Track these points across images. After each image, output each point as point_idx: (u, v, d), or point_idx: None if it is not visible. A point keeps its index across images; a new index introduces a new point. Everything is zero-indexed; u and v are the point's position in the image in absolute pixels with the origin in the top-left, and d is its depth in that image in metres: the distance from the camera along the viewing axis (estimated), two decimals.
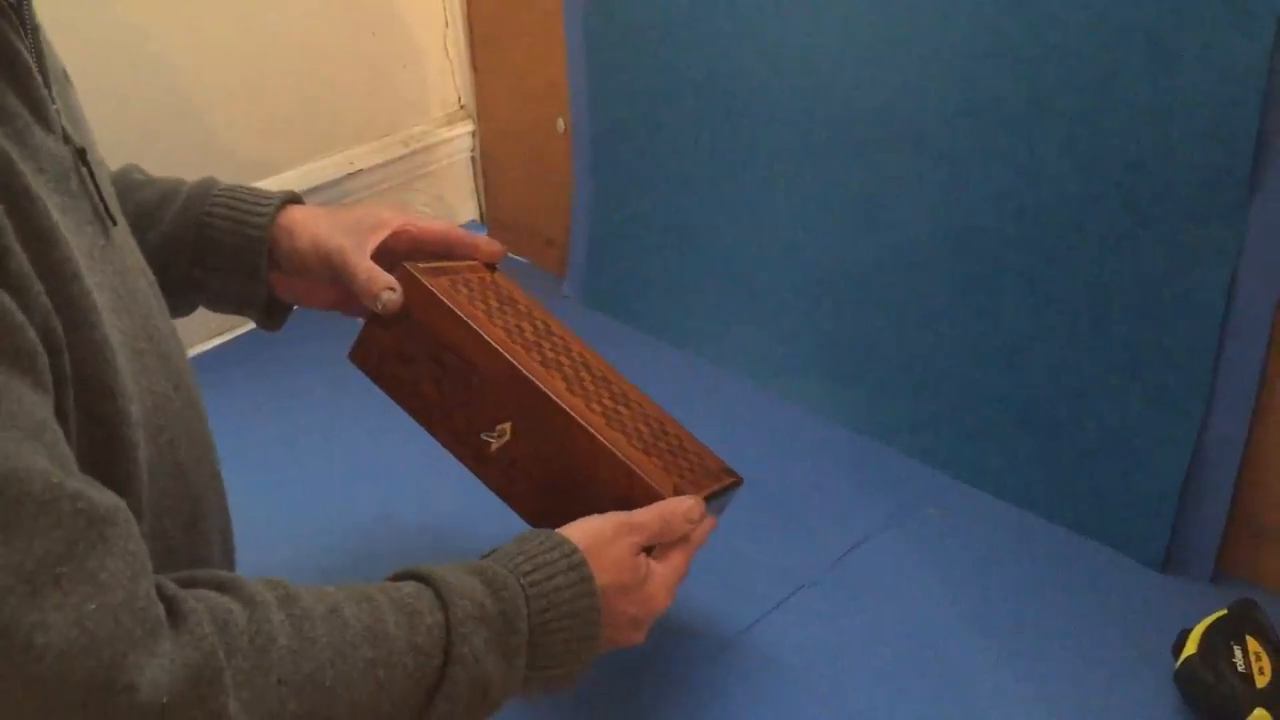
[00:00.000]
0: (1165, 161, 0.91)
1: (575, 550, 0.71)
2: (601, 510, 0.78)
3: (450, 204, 1.62)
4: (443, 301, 0.82)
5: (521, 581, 0.68)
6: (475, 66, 1.54)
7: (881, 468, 1.14)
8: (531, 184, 1.53)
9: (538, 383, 0.81)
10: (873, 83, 1.08)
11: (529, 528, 0.77)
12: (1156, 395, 0.97)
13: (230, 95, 1.35)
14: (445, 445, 0.86)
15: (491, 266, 0.93)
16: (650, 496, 0.80)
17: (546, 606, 0.68)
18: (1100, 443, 1.02)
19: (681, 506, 0.79)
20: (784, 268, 1.22)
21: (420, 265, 0.84)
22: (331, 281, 0.86)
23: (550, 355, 0.86)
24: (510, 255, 1.54)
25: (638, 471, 0.80)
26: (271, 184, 1.38)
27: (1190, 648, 0.85)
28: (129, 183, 0.85)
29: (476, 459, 0.84)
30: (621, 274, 1.40)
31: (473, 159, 1.61)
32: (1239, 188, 0.87)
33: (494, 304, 0.87)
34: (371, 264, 0.83)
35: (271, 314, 0.88)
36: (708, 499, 0.84)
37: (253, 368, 1.32)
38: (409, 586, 0.64)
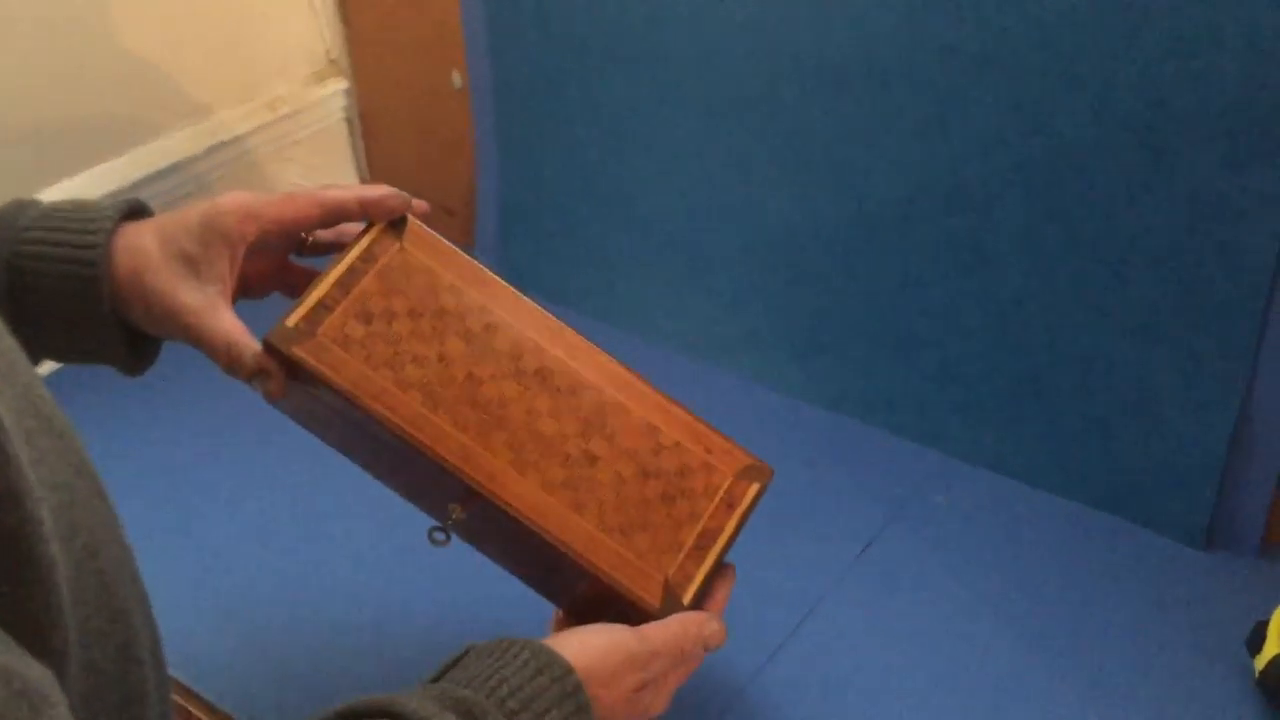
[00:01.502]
0: (1194, 96, 0.81)
1: (570, 675, 0.59)
2: (589, 596, 0.67)
3: (327, 173, 1.43)
4: (332, 384, 0.65)
5: (510, 709, 0.57)
6: (346, 15, 1.35)
7: (869, 450, 1.03)
8: (422, 146, 1.36)
9: (474, 480, 0.65)
10: (834, 11, 0.94)
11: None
12: (1188, 358, 0.87)
13: (66, 62, 1.13)
14: (408, 500, 0.72)
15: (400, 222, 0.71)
16: (633, 609, 0.67)
17: None
18: (1118, 411, 0.92)
19: (704, 631, 0.67)
20: (730, 231, 1.08)
21: (291, 317, 0.65)
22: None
23: (491, 394, 0.68)
24: None
25: (616, 585, 0.67)
26: (124, 163, 1.20)
27: (1275, 645, 0.76)
28: None
29: (439, 521, 0.70)
30: (540, 245, 1.24)
31: (348, 120, 1.42)
32: None
33: (405, 328, 0.68)
34: (230, 336, 0.65)
35: (137, 354, 0.70)
36: (725, 550, 0.70)
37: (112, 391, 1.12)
38: None
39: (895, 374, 1.02)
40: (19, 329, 0.64)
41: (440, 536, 0.69)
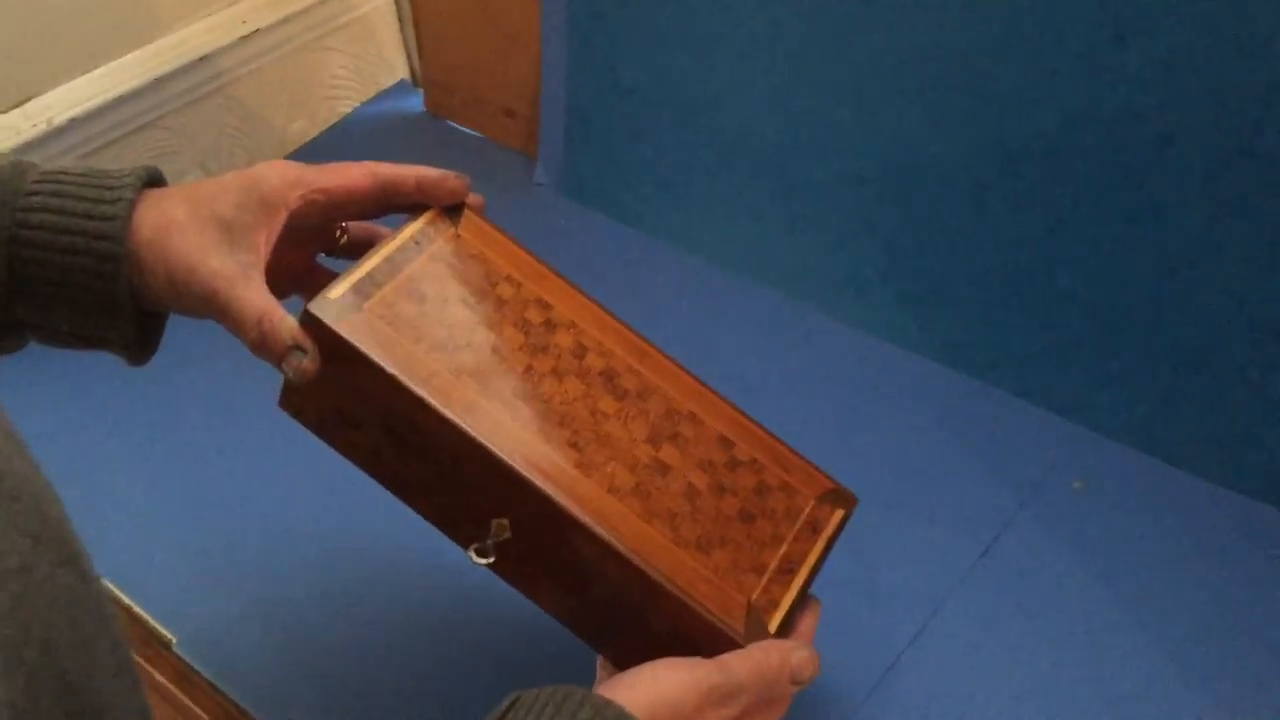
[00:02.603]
0: None
1: None
2: (653, 630, 0.57)
3: (372, 64, 1.27)
4: (377, 365, 0.56)
5: None
6: None
7: (995, 419, 0.88)
8: (481, 38, 1.19)
9: (530, 478, 0.56)
10: None
11: None
12: None
13: None
14: (438, 527, 0.61)
15: (456, 209, 0.65)
16: (713, 638, 0.56)
17: None
18: None
19: (790, 661, 0.56)
20: (835, 154, 0.92)
21: (335, 289, 0.58)
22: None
23: (551, 390, 0.60)
24: (456, 126, 1.23)
25: (694, 607, 0.56)
26: (142, 58, 1.06)
27: None
28: None
29: (479, 554, 0.60)
30: (610, 158, 1.09)
31: (397, 3, 1.26)
32: None
33: (459, 315, 0.60)
34: (262, 307, 0.56)
35: (145, 340, 0.61)
36: (811, 578, 0.60)
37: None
38: None
39: (1030, 331, 0.87)
40: (14, 309, 0.58)
41: (480, 557, 0.59)
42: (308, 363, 0.56)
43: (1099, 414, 0.86)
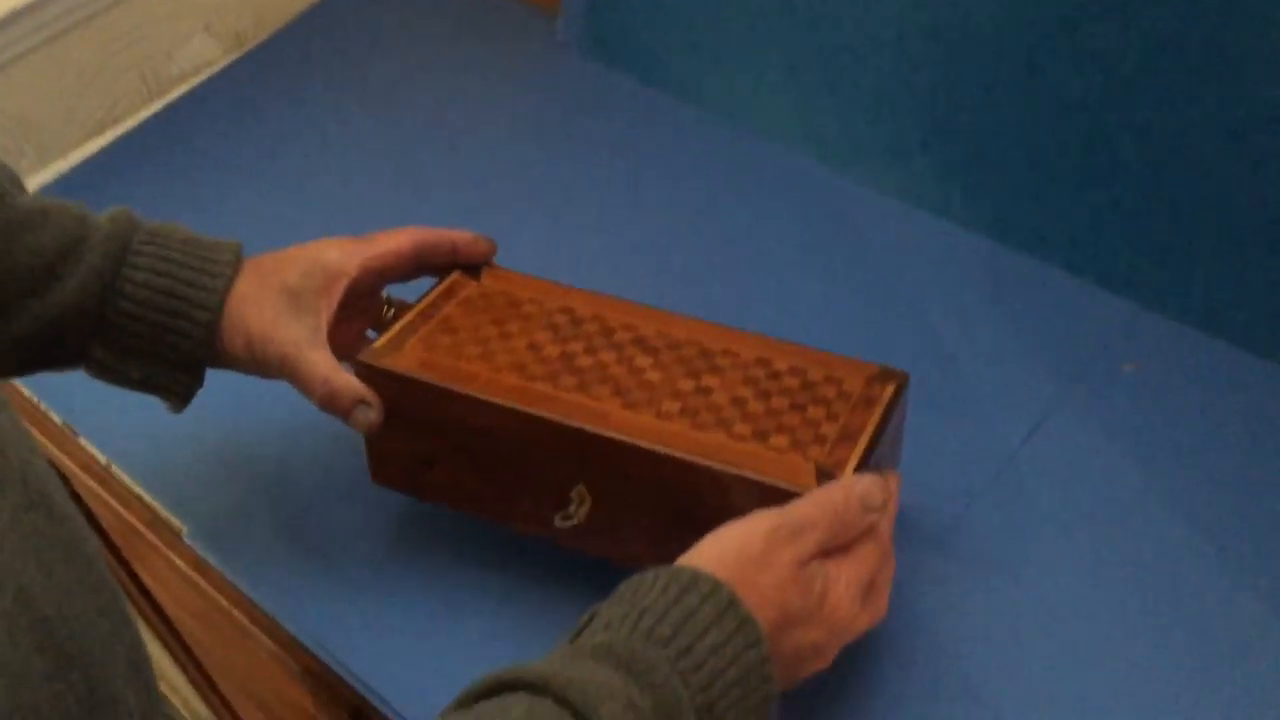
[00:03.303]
0: None
1: (720, 588, 0.50)
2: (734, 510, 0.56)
3: None
4: (424, 382, 0.64)
5: (667, 653, 0.48)
6: None
7: (1041, 296, 0.82)
8: None
9: (583, 426, 0.60)
10: None
11: None
12: None
13: None
14: (531, 534, 0.66)
15: (476, 268, 0.72)
16: (791, 498, 0.56)
17: (708, 680, 0.48)
18: None
19: (855, 489, 0.55)
20: (875, 11, 0.85)
21: (379, 341, 0.67)
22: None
23: (587, 362, 0.65)
24: None
25: (763, 480, 0.57)
26: None
27: None
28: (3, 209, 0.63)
29: (572, 536, 0.64)
30: (635, 14, 1.02)
31: None
32: None
33: (492, 332, 0.67)
34: (328, 369, 0.65)
35: (189, 395, 0.69)
36: (867, 455, 0.58)
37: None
38: (520, 705, 0.45)
39: (1085, 203, 0.81)
40: (92, 349, 0.65)
41: (566, 522, 0.63)
42: (373, 415, 0.64)
43: (1158, 292, 0.80)
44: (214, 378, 0.70)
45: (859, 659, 0.64)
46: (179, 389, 0.67)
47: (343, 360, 0.67)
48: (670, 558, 0.54)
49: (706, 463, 0.58)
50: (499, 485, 0.65)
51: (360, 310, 0.72)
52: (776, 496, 0.56)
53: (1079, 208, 0.81)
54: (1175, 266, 0.78)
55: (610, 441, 0.59)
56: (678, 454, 0.58)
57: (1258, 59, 0.69)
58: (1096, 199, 0.80)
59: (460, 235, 0.71)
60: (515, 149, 1.00)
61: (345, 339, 0.71)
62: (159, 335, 0.65)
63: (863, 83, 0.88)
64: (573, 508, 0.62)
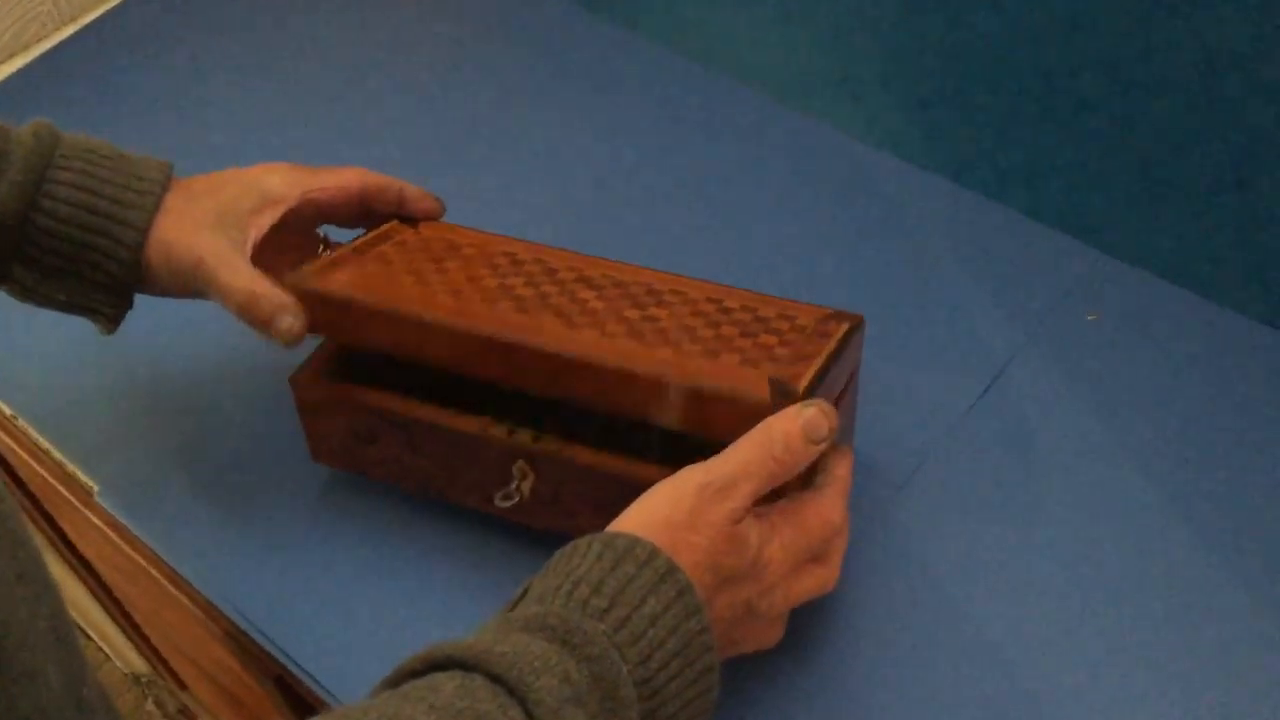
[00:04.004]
0: None
1: (656, 554, 0.47)
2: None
3: None
4: (355, 302, 0.60)
5: (604, 625, 0.46)
6: None
7: (1003, 241, 0.79)
8: None
9: (521, 340, 0.56)
10: None
11: None
12: None
13: None
14: (482, 509, 0.63)
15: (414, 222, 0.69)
16: (745, 409, 0.52)
17: (648, 652, 0.46)
18: None
19: (798, 419, 0.51)
20: None
21: (308, 267, 0.63)
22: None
23: (528, 293, 0.61)
24: None
25: (718, 389, 0.53)
26: None
27: None
28: None
29: (516, 513, 0.61)
30: None
31: None
32: None
33: (428, 267, 0.63)
34: (251, 275, 0.61)
35: (118, 317, 0.66)
36: (821, 376, 0.54)
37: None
38: (451, 683, 0.42)
39: (1047, 143, 0.77)
40: (11, 269, 0.61)
41: (507, 499, 0.60)
42: (297, 324, 0.60)
43: (1121, 238, 0.77)
44: (132, 326, 0.65)
45: (809, 612, 0.61)
46: (107, 311, 0.64)
47: None
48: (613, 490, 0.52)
49: (654, 373, 0.54)
50: (439, 459, 0.62)
51: (293, 246, 0.68)
52: (730, 411, 0.52)
53: (1040, 148, 0.77)
54: (1140, 211, 0.75)
55: (551, 357, 0.55)
56: (624, 365, 0.54)
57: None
58: (1061, 140, 0.76)
59: (411, 187, 0.68)
60: (486, 90, 0.94)
61: (271, 272, 0.66)
62: (81, 254, 0.61)
63: (819, 16, 0.83)
64: (515, 484, 0.59)
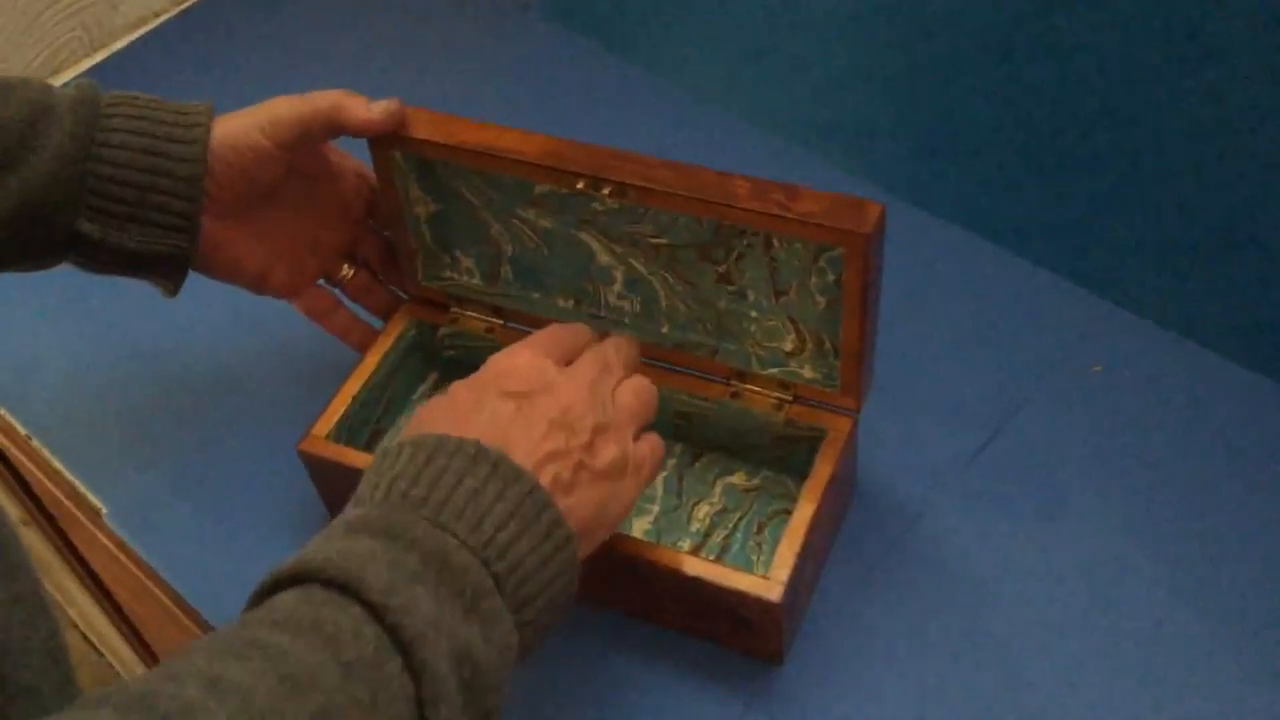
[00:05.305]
0: None
1: (464, 443, 0.49)
2: None
3: None
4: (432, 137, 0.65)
5: (423, 511, 0.47)
6: None
7: (1007, 289, 0.79)
8: None
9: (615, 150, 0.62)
10: None
11: None
12: None
13: None
14: None
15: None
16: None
17: (475, 518, 0.47)
18: None
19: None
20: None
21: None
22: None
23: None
24: None
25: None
26: None
27: None
28: None
29: None
30: None
31: None
32: None
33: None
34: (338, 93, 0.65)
35: (181, 271, 0.66)
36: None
37: None
38: (286, 600, 0.43)
39: (1055, 194, 0.77)
40: (80, 225, 0.61)
41: None
42: (393, 103, 0.65)
43: (1127, 289, 0.77)
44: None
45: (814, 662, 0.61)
46: (180, 254, 0.64)
47: (318, 277, 0.71)
48: None
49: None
50: None
51: (338, 219, 0.72)
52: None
53: (1049, 198, 0.78)
54: (1146, 263, 0.75)
55: (635, 158, 0.61)
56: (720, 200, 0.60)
57: (1237, 54, 0.66)
58: (1067, 190, 0.76)
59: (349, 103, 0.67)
60: (470, 109, 0.95)
61: (323, 245, 0.72)
62: (145, 196, 0.62)
63: (831, 61, 0.84)
64: None
